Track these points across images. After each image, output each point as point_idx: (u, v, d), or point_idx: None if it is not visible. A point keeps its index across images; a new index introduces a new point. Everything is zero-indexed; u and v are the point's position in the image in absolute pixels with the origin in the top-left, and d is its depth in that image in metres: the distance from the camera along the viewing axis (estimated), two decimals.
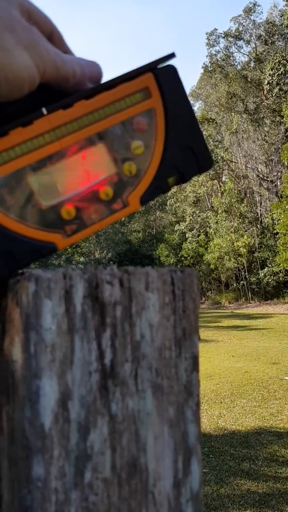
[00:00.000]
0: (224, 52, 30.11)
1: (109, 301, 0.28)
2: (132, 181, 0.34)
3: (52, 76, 0.33)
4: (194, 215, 28.83)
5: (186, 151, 0.36)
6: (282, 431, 4.70)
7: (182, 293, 0.31)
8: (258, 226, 25.49)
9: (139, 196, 0.35)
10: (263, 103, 26.56)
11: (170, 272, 0.31)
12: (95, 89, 0.33)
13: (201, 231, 28.08)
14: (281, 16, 26.85)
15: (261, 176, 26.47)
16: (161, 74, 0.35)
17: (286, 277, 22.52)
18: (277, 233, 21.20)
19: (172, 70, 0.35)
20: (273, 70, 24.55)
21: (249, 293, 24.49)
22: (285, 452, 4.19)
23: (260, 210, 26.27)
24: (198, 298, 0.32)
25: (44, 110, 0.32)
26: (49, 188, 0.32)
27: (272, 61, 24.79)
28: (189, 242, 28.06)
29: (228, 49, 30.09)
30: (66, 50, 0.36)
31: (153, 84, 0.34)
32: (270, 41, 28.29)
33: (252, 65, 29.62)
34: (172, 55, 0.35)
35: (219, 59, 30.14)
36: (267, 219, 24.66)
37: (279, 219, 20.34)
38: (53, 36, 0.35)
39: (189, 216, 28.97)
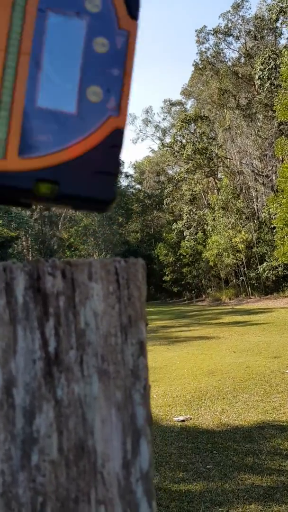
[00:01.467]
0: (214, 49, 30.14)
1: (52, 291, 0.30)
2: None
3: None
4: (191, 213, 28.86)
5: None
6: (285, 425, 4.71)
7: (126, 282, 0.33)
8: (255, 221, 25.52)
9: None
10: (255, 98, 26.59)
11: (114, 262, 0.32)
12: None
13: (199, 228, 28.11)
14: (269, 11, 26.87)
15: (256, 171, 26.50)
16: None
17: (285, 271, 22.55)
18: (274, 227, 21.23)
19: None
20: (264, 65, 24.57)
21: (249, 289, 24.51)
22: None
23: (257, 205, 26.30)
24: (143, 286, 0.34)
25: None
26: None
27: (262, 56, 24.81)
28: (187, 240, 28.08)
29: (217, 46, 30.13)
30: None
31: None
32: (259, 36, 28.33)
33: (242, 61, 29.66)
34: None
35: (209, 56, 30.17)
36: (264, 214, 24.68)
37: (275, 214, 20.36)
38: None
39: (186, 214, 29.00)
